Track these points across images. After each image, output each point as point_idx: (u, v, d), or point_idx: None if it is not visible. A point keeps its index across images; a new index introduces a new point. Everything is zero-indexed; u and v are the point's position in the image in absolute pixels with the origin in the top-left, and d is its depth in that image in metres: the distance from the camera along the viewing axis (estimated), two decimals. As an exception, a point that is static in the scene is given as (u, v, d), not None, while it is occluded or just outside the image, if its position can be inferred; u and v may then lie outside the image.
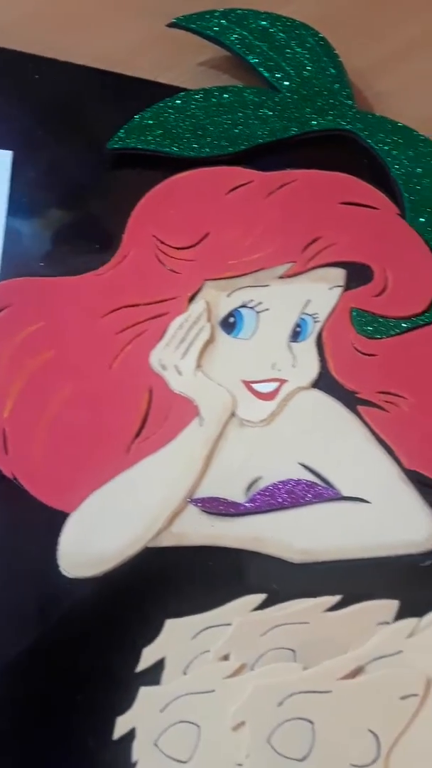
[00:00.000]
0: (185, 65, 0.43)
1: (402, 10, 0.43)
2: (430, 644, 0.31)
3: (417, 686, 0.30)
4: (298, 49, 0.39)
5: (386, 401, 0.35)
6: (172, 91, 0.40)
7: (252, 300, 0.37)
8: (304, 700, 0.31)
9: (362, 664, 0.31)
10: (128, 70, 0.42)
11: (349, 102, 0.39)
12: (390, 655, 0.31)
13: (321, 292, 0.37)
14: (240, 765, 0.30)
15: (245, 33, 0.40)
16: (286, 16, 0.41)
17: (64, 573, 0.33)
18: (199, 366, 0.36)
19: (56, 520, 0.33)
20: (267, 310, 0.36)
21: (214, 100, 0.39)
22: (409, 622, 0.32)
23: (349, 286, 0.37)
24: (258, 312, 0.36)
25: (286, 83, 0.39)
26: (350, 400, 0.36)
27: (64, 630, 0.33)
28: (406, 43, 0.43)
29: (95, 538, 0.33)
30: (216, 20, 0.40)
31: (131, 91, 0.41)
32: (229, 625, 0.32)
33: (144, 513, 0.34)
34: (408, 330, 0.36)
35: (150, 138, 0.38)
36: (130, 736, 0.31)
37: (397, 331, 0.36)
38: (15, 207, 0.39)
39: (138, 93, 0.40)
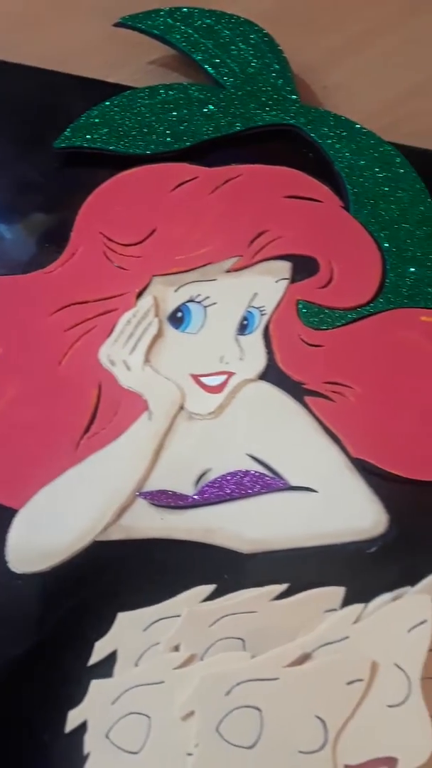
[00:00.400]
0: (136, 64, 0.43)
1: (348, 5, 0.44)
2: (376, 630, 0.31)
3: (362, 671, 0.30)
4: (243, 46, 0.40)
5: (333, 391, 0.35)
6: (121, 90, 0.40)
7: (199, 294, 0.37)
8: (251, 689, 0.30)
9: (309, 651, 0.31)
10: (79, 70, 0.42)
11: (293, 97, 0.39)
12: (336, 642, 0.31)
13: (267, 285, 0.37)
14: (190, 754, 0.30)
15: (190, 31, 0.40)
16: (231, 13, 0.41)
17: (13, 569, 0.33)
18: (147, 361, 0.36)
19: (4, 516, 0.33)
20: (214, 304, 0.37)
21: (159, 97, 0.39)
22: (355, 609, 0.32)
23: (295, 278, 0.37)
24: (205, 306, 0.37)
25: (231, 80, 0.39)
26: (297, 391, 0.36)
27: (15, 625, 0.33)
28: (353, 38, 0.43)
29: (43, 534, 0.33)
30: (162, 19, 0.40)
31: (81, 91, 0.41)
32: (179, 616, 0.33)
33: (92, 507, 0.34)
34: (353, 320, 0.36)
35: (96, 136, 0.38)
36: (82, 728, 0.31)
37: (343, 321, 0.36)
38: (-37, 207, 0.39)
39: (87, 92, 0.40)
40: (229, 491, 0.34)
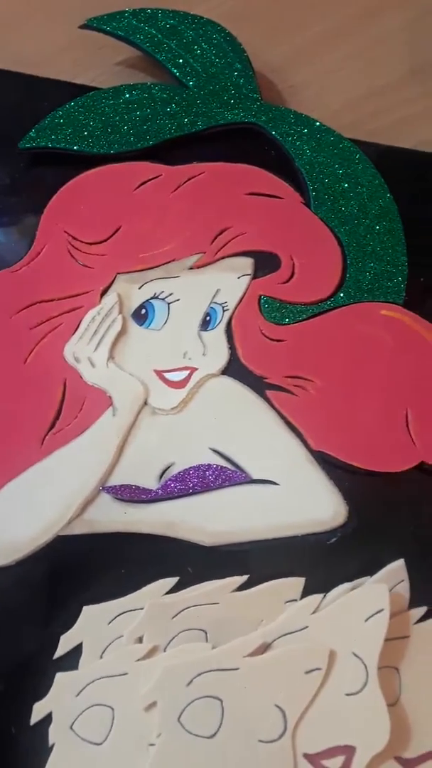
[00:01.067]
0: (102, 65, 0.43)
1: (312, 7, 0.43)
2: (334, 619, 0.31)
3: (321, 660, 0.30)
4: (205, 46, 0.40)
5: (294, 385, 0.35)
6: (87, 90, 0.40)
7: (163, 291, 0.37)
8: (212, 679, 0.30)
9: (269, 641, 0.31)
10: (46, 71, 0.42)
11: (254, 95, 0.39)
12: (296, 632, 0.31)
13: (230, 281, 0.37)
14: (152, 744, 0.30)
15: (154, 31, 0.40)
16: (194, 14, 0.41)
17: (-23, 563, 0.33)
18: (111, 357, 0.36)
19: (-31, 511, 0.34)
20: (177, 300, 0.37)
21: (123, 97, 0.39)
22: (315, 599, 0.32)
23: (257, 274, 0.37)
24: (169, 303, 0.37)
25: (194, 79, 0.39)
26: (259, 385, 0.36)
27: (-20, 619, 0.33)
28: (316, 38, 0.43)
29: (7, 528, 0.33)
30: (126, 20, 0.40)
31: (47, 92, 0.41)
32: (143, 609, 0.33)
33: (56, 502, 0.34)
34: (315, 315, 0.36)
35: (60, 137, 0.38)
36: (47, 720, 0.31)
37: (304, 316, 0.36)
38: None
39: (54, 94, 0.40)
40: (191, 485, 0.34)
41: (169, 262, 0.37)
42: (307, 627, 0.31)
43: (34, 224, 0.37)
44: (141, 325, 0.36)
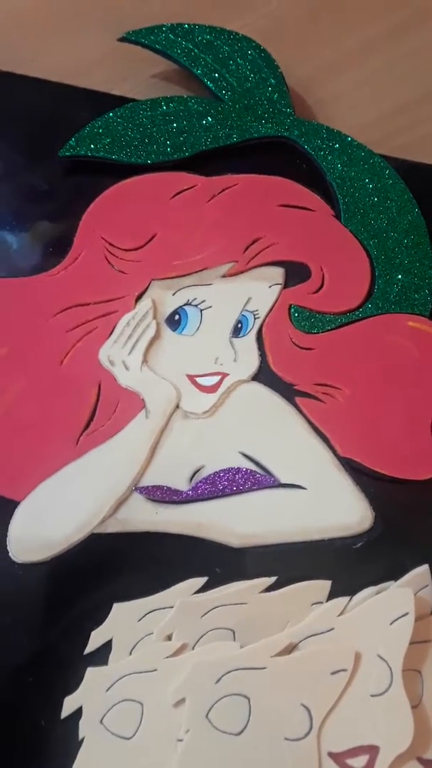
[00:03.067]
0: (139, 77, 0.43)
1: (341, 23, 0.43)
2: (360, 622, 0.31)
3: (346, 662, 0.30)
4: (241, 61, 0.39)
5: (322, 393, 0.35)
6: (124, 102, 0.40)
7: (196, 298, 0.37)
8: (240, 677, 0.30)
9: (296, 641, 0.31)
10: (85, 82, 0.41)
11: (288, 110, 0.39)
12: (322, 633, 0.31)
13: (261, 290, 0.37)
14: (180, 740, 0.30)
15: (191, 46, 0.40)
16: (230, 30, 0.41)
17: (14, 558, 0.33)
18: (145, 361, 0.36)
19: (6, 508, 0.33)
20: (210, 307, 0.36)
21: (160, 109, 0.39)
22: (341, 601, 0.32)
23: (287, 284, 0.37)
24: (201, 309, 0.36)
25: (229, 93, 0.39)
26: (288, 392, 0.36)
27: (15, 613, 0.33)
28: (346, 54, 0.43)
29: (43, 525, 0.33)
30: (164, 34, 0.40)
31: (86, 103, 0.41)
32: (173, 607, 0.33)
33: (90, 501, 0.34)
34: (343, 325, 0.36)
35: (99, 146, 0.38)
36: (77, 714, 0.31)
37: (333, 325, 0.36)
38: (-28, 213, 0.39)
39: (92, 104, 0.40)
40: (221, 487, 0.34)
41: (202, 270, 0.37)
42: (333, 629, 0.31)
43: (72, 230, 0.37)
44: (174, 330, 0.36)
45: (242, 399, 0.35)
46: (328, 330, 0.36)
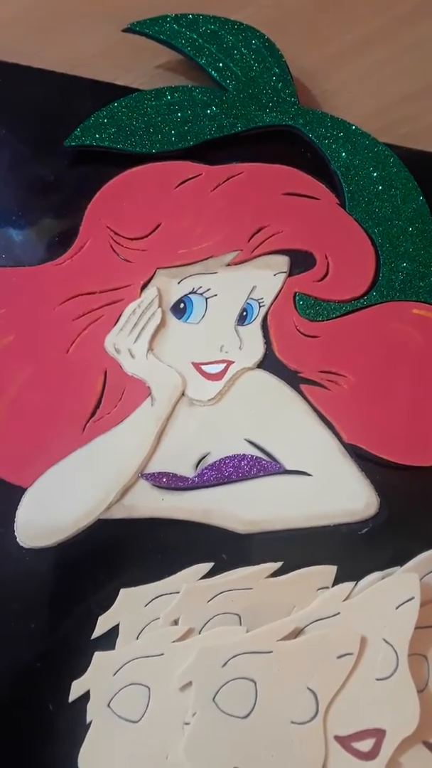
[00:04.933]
0: (143, 68, 0.42)
1: (346, 14, 0.43)
2: (366, 606, 0.31)
3: (352, 646, 0.30)
4: (245, 51, 0.39)
5: (327, 380, 0.35)
6: (128, 92, 0.40)
7: (201, 287, 0.37)
8: (246, 661, 0.30)
9: (302, 626, 0.31)
10: (90, 73, 0.41)
11: (292, 99, 0.39)
12: (328, 617, 0.31)
13: (266, 278, 0.37)
14: (187, 723, 0.30)
15: (195, 36, 0.40)
16: (234, 20, 0.40)
17: (21, 544, 0.33)
18: (150, 349, 0.36)
19: (14, 494, 0.33)
20: (215, 295, 0.36)
21: (165, 99, 0.38)
22: (347, 586, 0.32)
23: (292, 272, 0.37)
24: (207, 298, 0.36)
25: (233, 83, 0.39)
26: (293, 379, 0.36)
27: (23, 598, 0.33)
28: (350, 45, 0.42)
29: (50, 511, 0.33)
30: (168, 25, 0.40)
31: (91, 93, 0.40)
32: (179, 593, 0.33)
33: (97, 487, 0.34)
34: (348, 312, 0.36)
35: (104, 135, 0.38)
36: (85, 698, 0.31)
37: (338, 313, 0.36)
38: (-22, 202, 0.39)
39: (97, 94, 0.40)
40: (227, 474, 0.34)
41: (207, 258, 0.37)
42: (339, 613, 0.31)
43: (77, 219, 0.37)
44: (180, 318, 0.36)
45: (247, 386, 0.35)
46: (333, 318, 0.36)
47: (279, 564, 0.32)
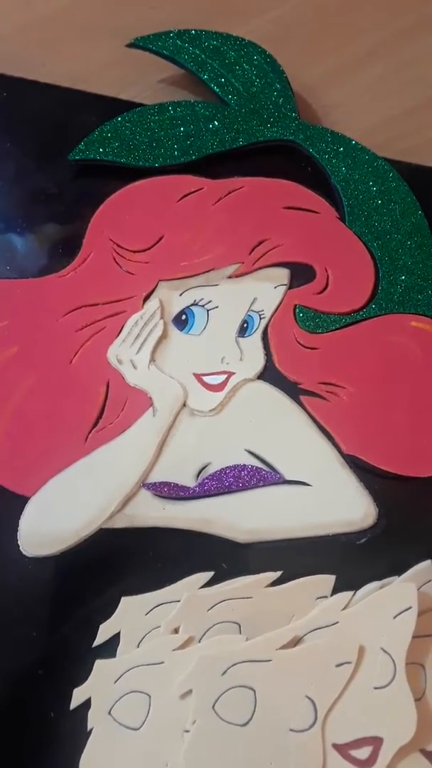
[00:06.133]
0: (146, 83, 0.43)
1: (346, 30, 0.44)
2: (364, 616, 0.31)
3: (350, 654, 0.30)
4: (247, 67, 0.40)
5: (327, 391, 0.36)
6: (132, 106, 0.40)
7: (202, 299, 0.37)
8: (246, 669, 0.31)
9: (301, 634, 0.31)
10: (94, 87, 0.42)
11: (293, 114, 0.39)
12: (326, 626, 0.31)
13: (266, 291, 0.37)
14: (187, 731, 0.30)
15: (198, 52, 0.40)
16: (236, 35, 0.41)
17: (24, 552, 0.33)
18: (152, 360, 0.36)
19: (17, 503, 0.34)
20: (216, 307, 0.37)
21: (167, 113, 0.39)
22: (345, 596, 0.32)
23: (292, 284, 0.37)
24: (208, 310, 0.37)
25: (235, 98, 0.40)
26: (293, 390, 0.36)
27: (25, 606, 0.33)
28: (350, 61, 0.43)
29: (53, 520, 0.34)
30: (171, 40, 0.41)
31: (95, 107, 0.41)
32: (179, 601, 0.33)
33: (99, 496, 0.34)
34: (347, 325, 0.37)
35: (108, 149, 0.38)
36: (86, 705, 0.32)
37: (338, 325, 0.37)
38: (-17, 215, 0.39)
39: (101, 109, 0.41)
40: (227, 484, 0.35)
41: (208, 270, 0.37)
42: (337, 622, 0.32)
43: (81, 232, 0.38)
44: (181, 330, 0.37)
45: (248, 397, 0.36)
46: (333, 330, 0.36)
47: (278, 573, 0.33)
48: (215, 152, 0.39)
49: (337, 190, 0.38)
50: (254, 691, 0.31)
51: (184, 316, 0.37)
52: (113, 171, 0.39)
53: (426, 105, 0.42)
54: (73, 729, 0.31)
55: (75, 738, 0.31)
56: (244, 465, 0.35)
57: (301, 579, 0.33)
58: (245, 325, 0.37)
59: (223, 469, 0.35)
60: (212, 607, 0.32)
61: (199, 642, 0.32)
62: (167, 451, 0.35)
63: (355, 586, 0.33)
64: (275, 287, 0.37)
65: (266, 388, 0.36)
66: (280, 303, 0.37)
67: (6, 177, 0.40)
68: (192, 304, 0.37)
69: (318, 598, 0.33)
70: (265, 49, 0.41)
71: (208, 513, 0.34)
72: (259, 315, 0.37)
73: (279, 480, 0.35)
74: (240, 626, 0.32)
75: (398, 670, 0.30)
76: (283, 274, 0.37)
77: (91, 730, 0.31)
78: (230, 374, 0.36)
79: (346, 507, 0.34)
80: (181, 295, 0.37)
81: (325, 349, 0.36)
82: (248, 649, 0.31)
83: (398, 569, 0.33)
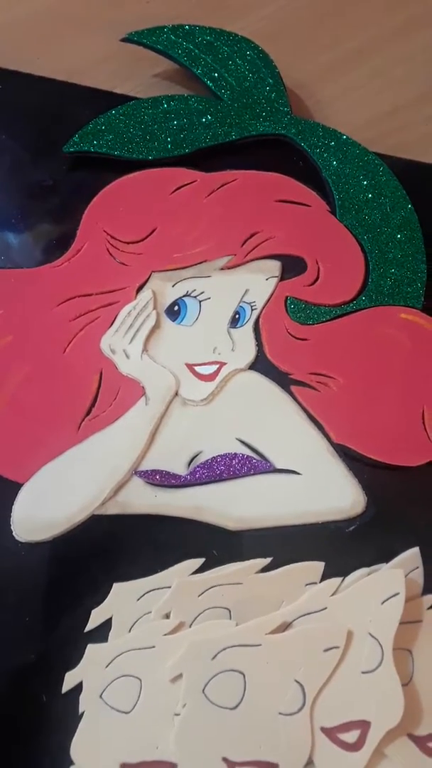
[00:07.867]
0: (140, 77, 0.43)
1: (339, 27, 0.44)
2: (352, 602, 0.32)
3: (339, 639, 0.31)
4: (239, 61, 0.40)
5: (317, 381, 0.36)
6: (126, 100, 0.41)
7: (195, 290, 0.37)
8: (235, 654, 0.31)
9: (289, 620, 0.32)
10: (88, 81, 0.42)
11: (285, 109, 0.40)
12: (315, 612, 0.32)
13: (258, 282, 0.37)
14: (177, 714, 0.31)
15: (191, 47, 0.40)
16: (230, 31, 0.41)
17: (17, 538, 0.34)
18: (145, 350, 0.36)
19: (10, 490, 0.34)
20: (208, 299, 0.37)
21: (161, 107, 0.39)
22: (334, 582, 0.33)
23: (284, 276, 0.38)
24: (200, 301, 0.37)
25: (228, 92, 0.40)
26: (284, 380, 0.36)
27: (18, 591, 0.33)
28: (342, 57, 0.44)
29: (46, 506, 0.34)
30: (165, 35, 0.41)
31: (89, 101, 0.41)
32: (171, 587, 0.33)
33: (91, 483, 0.34)
34: (338, 316, 0.37)
35: (102, 142, 0.39)
36: (78, 689, 0.32)
37: (328, 317, 0.37)
38: (-22, 206, 0.39)
39: (95, 102, 0.41)
40: (218, 472, 0.35)
41: (201, 262, 0.37)
42: (326, 608, 0.32)
43: (75, 223, 0.38)
44: (174, 321, 0.37)
45: (239, 387, 0.36)
46: (323, 321, 0.37)
47: (268, 560, 0.33)
48: (208, 146, 0.39)
49: (329, 183, 0.39)
50: (244, 675, 0.31)
51: (176, 307, 0.37)
52: (107, 163, 0.39)
53: (416, 101, 0.43)
54: (65, 712, 0.32)
55: (67, 721, 0.31)
56: (235, 454, 0.35)
57: (291, 565, 0.33)
58: (237, 316, 0.37)
59: (214, 457, 0.35)
60: (203, 593, 0.33)
61: (190, 627, 0.32)
62: (159, 439, 0.35)
63: (343, 572, 0.33)
64: (267, 279, 0.37)
65: (257, 378, 0.36)
66: (272, 294, 0.37)
67: (1, 169, 0.40)
68: (184, 295, 0.37)
69: (307, 584, 0.33)
70: (259, 45, 0.41)
71: (199, 501, 0.34)
72: (251, 306, 0.37)
73: (269, 468, 0.35)
74: (230, 612, 0.33)
75: (386, 654, 0.31)
76: (275, 266, 0.38)
77: (82, 713, 0.31)
78: (222, 364, 0.36)
79: (336, 495, 0.34)
80: (173, 286, 0.37)
81: (316, 340, 0.37)
82: (238, 634, 0.31)
83: (386, 556, 0.33)
